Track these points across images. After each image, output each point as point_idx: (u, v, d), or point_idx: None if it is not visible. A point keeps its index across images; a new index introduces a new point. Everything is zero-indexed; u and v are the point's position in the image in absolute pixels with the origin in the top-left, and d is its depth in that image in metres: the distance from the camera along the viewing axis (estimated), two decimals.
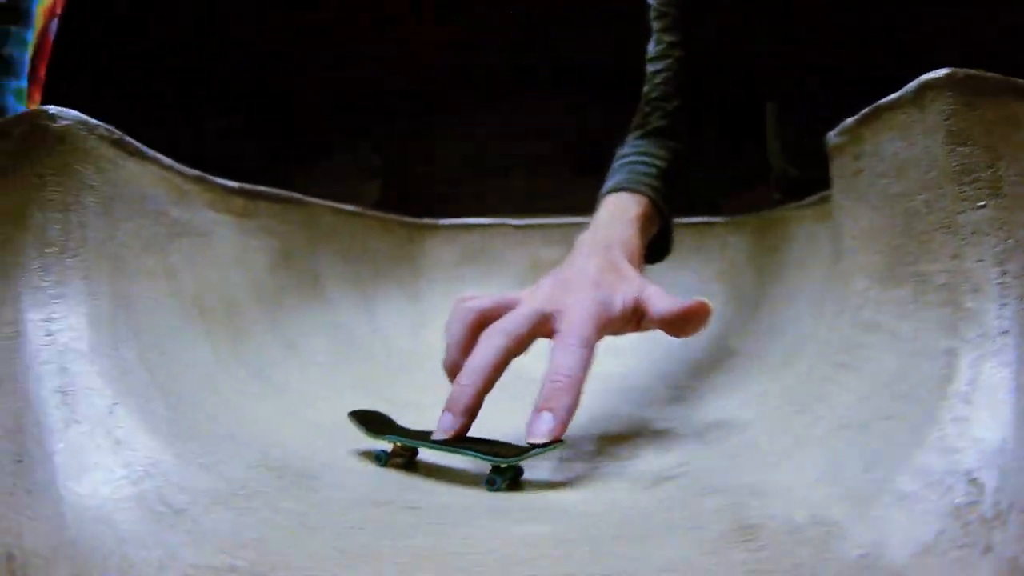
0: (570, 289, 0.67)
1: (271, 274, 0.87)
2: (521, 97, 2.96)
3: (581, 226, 1.41)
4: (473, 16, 2.73)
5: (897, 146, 0.53)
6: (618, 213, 0.87)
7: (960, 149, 0.46)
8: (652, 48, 1.07)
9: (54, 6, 1.42)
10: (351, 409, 0.64)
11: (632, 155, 0.99)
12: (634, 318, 0.68)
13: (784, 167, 1.19)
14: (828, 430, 0.50)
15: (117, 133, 0.59)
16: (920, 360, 0.45)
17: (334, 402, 0.74)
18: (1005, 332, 0.41)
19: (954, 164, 0.46)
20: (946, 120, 0.47)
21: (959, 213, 0.46)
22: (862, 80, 0.68)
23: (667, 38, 1.05)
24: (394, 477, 0.57)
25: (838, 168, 0.63)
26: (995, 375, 0.40)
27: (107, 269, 0.55)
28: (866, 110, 0.57)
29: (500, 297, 0.69)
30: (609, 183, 0.95)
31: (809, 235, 0.92)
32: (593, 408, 0.80)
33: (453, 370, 0.65)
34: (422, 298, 1.18)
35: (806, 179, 0.66)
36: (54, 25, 1.39)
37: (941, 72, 0.47)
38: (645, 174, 0.94)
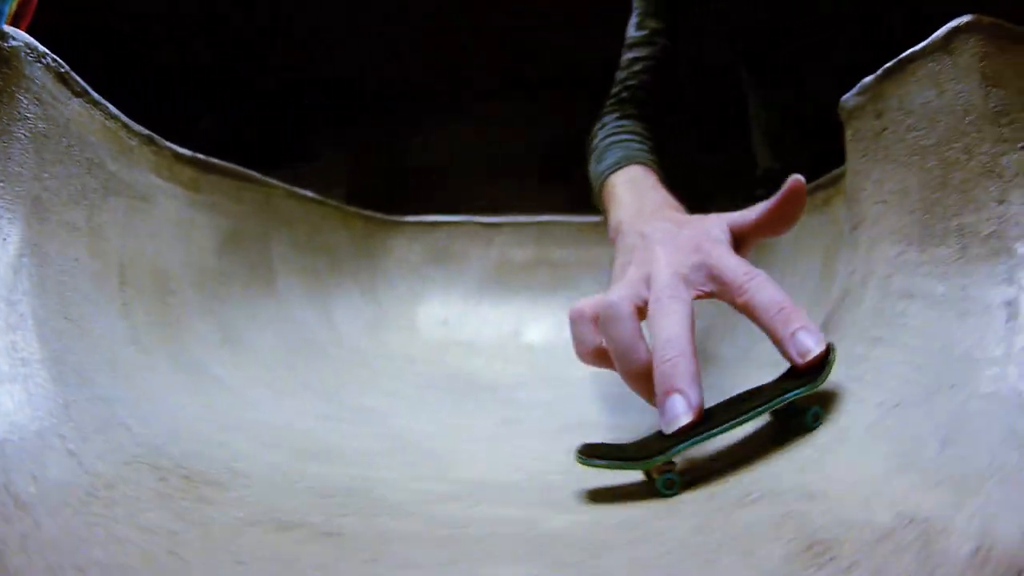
0: (679, 245, 0.60)
1: (216, 257, 0.80)
2: (489, 103, 2.96)
3: (550, 225, 1.38)
4: (447, 22, 2.74)
5: (928, 95, 0.50)
6: (641, 185, 0.83)
7: (996, 91, 0.44)
8: (633, 31, 1.03)
9: None
10: (579, 449, 0.50)
11: (621, 134, 0.95)
12: (738, 244, 0.62)
13: (769, 162, 1.16)
14: (882, 412, 0.42)
15: (65, 67, 0.53)
16: (974, 319, 0.41)
17: (275, 404, 0.67)
18: None
19: (992, 106, 0.44)
20: (981, 63, 0.45)
21: (1003, 155, 0.43)
22: (849, 60, 0.66)
23: (652, 24, 1.02)
24: (336, 487, 0.47)
25: (856, 131, 0.60)
26: None
27: (23, 211, 0.47)
28: (888, 64, 0.54)
29: (613, 295, 0.58)
30: (608, 160, 0.91)
31: (799, 228, 0.89)
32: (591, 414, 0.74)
33: (638, 372, 0.53)
34: (380, 298, 1.11)
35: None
36: None
37: (968, 17, 0.46)
38: (640, 149, 0.91)
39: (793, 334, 0.48)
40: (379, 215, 1.20)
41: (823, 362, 0.46)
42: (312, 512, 0.41)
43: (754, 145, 1.23)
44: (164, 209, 0.70)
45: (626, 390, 0.79)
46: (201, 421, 0.55)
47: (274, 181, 0.97)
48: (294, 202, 1.02)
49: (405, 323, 1.08)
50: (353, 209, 1.15)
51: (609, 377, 0.98)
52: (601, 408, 0.81)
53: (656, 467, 0.46)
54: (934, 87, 0.49)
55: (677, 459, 0.47)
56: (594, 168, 0.94)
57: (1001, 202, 0.43)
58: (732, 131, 1.27)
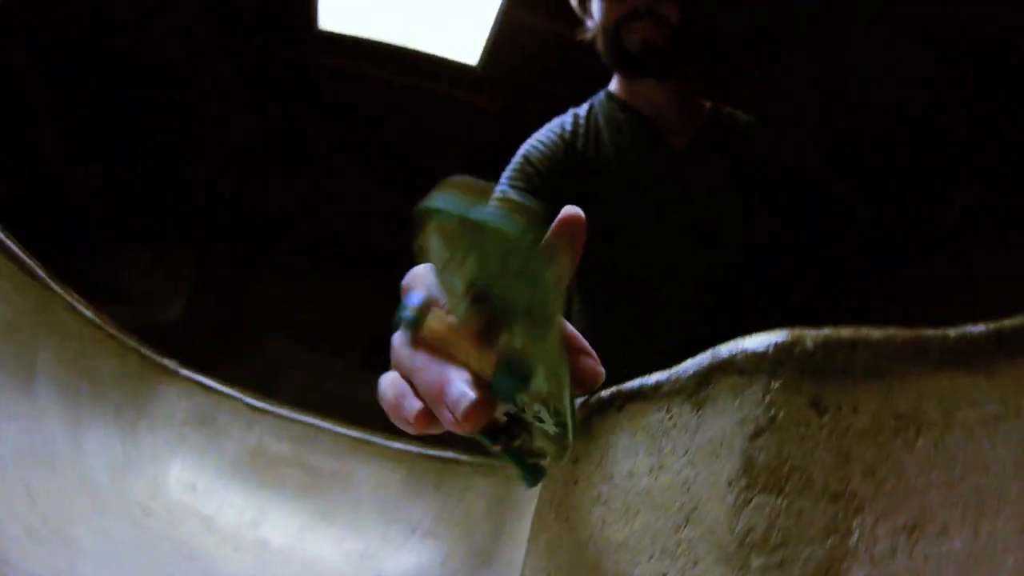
0: None
1: None
2: (345, 275, 2.95)
3: (316, 430, 1.35)
4: (337, 177, 2.79)
5: (638, 464, 0.37)
6: None
7: (764, 499, 0.29)
8: None
9: None
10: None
11: None
12: None
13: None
14: None
15: None
16: None
17: None
18: None
19: (740, 527, 0.29)
20: (750, 440, 0.30)
21: None
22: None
23: None
24: None
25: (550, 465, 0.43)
26: None
27: None
28: (605, 392, 0.40)
29: None
30: None
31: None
32: None
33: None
34: (139, 441, 1.03)
35: None
36: None
37: (765, 341, 0.30)
38: None
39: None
40: (156, 357, 1.13)
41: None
42: None
43: None
44: None
45: None
46: None
47: (56, 288, 0.91)
48: (70, 316, 0.96)
49: (154, 474, 0.99)
50: (132, 344, 1.08)
51: None
52: None
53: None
54: (653, 455, 0.34)
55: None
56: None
57: None
58: None
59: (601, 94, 1.23)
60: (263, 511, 1.08)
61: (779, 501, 0.27)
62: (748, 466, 0.28)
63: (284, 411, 1.26)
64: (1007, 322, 0.28)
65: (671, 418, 0.33)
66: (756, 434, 0.28)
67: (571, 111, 1.21)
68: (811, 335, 0.28)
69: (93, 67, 2.51)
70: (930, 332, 0.28)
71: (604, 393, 0.40)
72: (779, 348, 0.28)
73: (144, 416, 1.06)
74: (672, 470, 0.32)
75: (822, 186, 1.23)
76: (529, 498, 1.04)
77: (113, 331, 1.05)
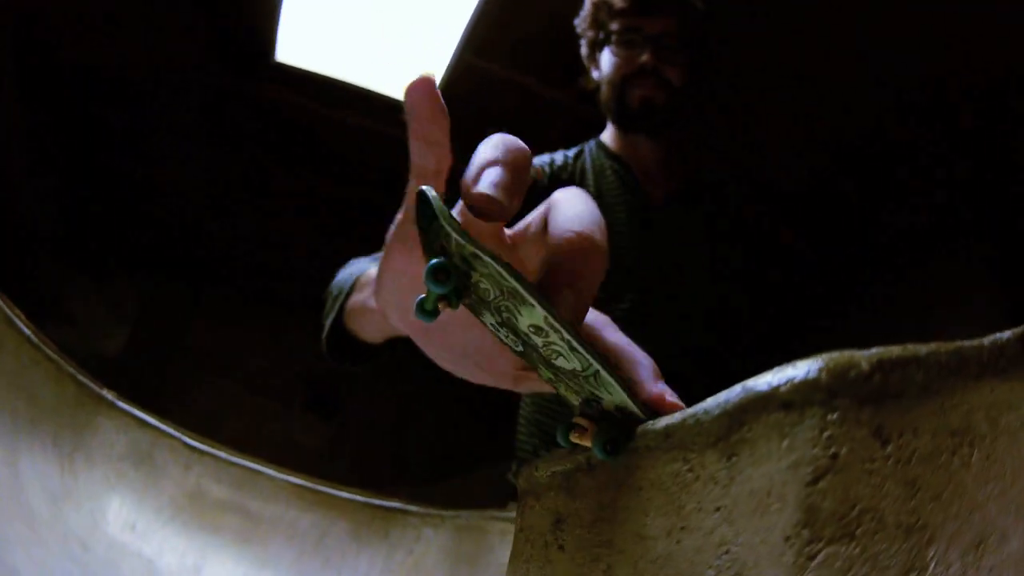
0: None
1: None
2: (288, 317, 2.86)
3: (254, 474, 1.29)
4: (288, 217, 2.76)
5: (650, 527, 0.30)
6: None
7: (832, 552, 0.24)
8: None
9: None
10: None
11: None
12: None
13: (535, 449, 1.21)
14: None
15: None
16: None
17: None
18: None
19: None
20: (810, 485, 0.25)
21: None
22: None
23: None
24: None
25: (523, 529, 0.40)
26: None
27: None
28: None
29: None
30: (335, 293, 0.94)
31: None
32: None
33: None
34: (76, 473, 0.95)
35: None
36: None
37: (812, 366, 0.26)
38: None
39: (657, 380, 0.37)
40: (93, 386, 1.06)
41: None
42: None
43: (518, 429, 1.28)
44: None
45: None
46: None
47: None
48: (8, 330, 0.89)
49: (93, 508, 0.92)
50: (70, 370, 1.01)
51: None
52: None
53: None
54: (671, 514, 0.29)
55: None
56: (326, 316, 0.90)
57: None
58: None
59: (592, 142, 1.35)
60: (204, 556, 1.01)
61: (852, 550, 0.23)
62: (811, 516, 0.24)
63: (223, 453, 1.20)
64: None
65: (690, 470, 0.28)
66: (816, 478, 0.24)
67: (560, 151, 1.30)
68: (864, 356, 0.25)
69: (50, 88, 2.44)
70: (967, 343, 0.27)
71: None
72: (832, 373, 0.25)
73: (81, 447, 0.98)
74: (701, 531, 0.27)
75: (778, 236, 1.32)
76: (484, 552, 1.01)
77: (52, 354, 0.98)
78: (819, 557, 0.23)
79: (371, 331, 0.89)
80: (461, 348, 0.43)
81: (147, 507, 1.01)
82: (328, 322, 0.96)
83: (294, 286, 3.01)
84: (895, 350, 0.25)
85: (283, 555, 1.10)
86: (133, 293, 2.91)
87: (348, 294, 0.92)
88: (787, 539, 0.24)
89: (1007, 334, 0.27)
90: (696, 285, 1.20)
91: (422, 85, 0.36)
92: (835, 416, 0.24)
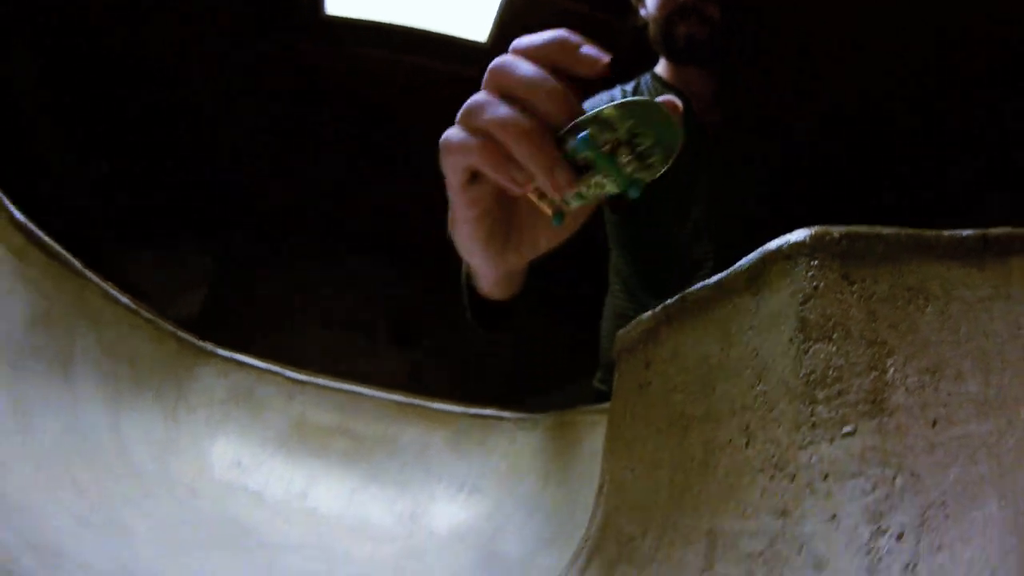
0: None
1: (27, 330, 0.75)
2: (359, 254, 3.01)
3: (358, 397, 1.38)
4: (347, 162, 2.84)
5: (710, 348, 0.41)
6: None
7: (819, 347, 0.34)
8: None
9: None
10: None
11: None
12: None
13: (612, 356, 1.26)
14: None
15: None
16: None
17: (34, 487, 0.63)
18: None
19: (805, 371, 0.34)
20: (802, 305, 0.35)
21: (801, 448, 0.33)
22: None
23: None
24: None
25: (623, 375, 0.53)
26: None
27: None
28: (670, 301, 0.47)
29: None
30: None
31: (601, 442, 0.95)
32: None
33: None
34: (179, 423, 1.06)
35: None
36: None
37: (803, 234, 0.37)
38: None
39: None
40: (192, 339, 1.16)
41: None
42: None
43: (601, 337, 1.34)
44: None
45: (397, 572, 0.85)
46: None
47: (91, 276, 0.93)
48: (106, 303, 0.98)
49: (197, 454, 1.03)
50: (169, 327, 1.11)
51: (387, 559, 0.98)
52: None
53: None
54: (724, 338, 0.40)
55: None
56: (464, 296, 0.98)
57: (783, 514, 0.32)
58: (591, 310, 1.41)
59: (647, 75, 1.43)
60: (311, 481, 1.11)
61: (830, 347, 0.34)
62: (803, 324, 0.35)
63: (325, 381, 1.29)
64: (991, 230, 0.36)
65: (733, 307, 0.40)
66: (805, 300, 0.35)
67: (617, 86, 1.39)
68: (836, 228, 0.36)
69: (95, 66, 2.55)
70: (928, 232, 0.36)
71: (669, 302, 0.47)
72: (814, 237, 0.36)
73: (183, 398, 1.08)
74: (740, 344, 0.39)
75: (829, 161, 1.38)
76: (574, 445, 1.06)
77: (150, 316, 1.08)
78: (810, 351, 0.34)
79: (494, 286, 0.92)
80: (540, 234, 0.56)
81: (251, 443, 1.11)
82: (467, 304, 1.00)
83: (361, 227, 3.09)
84: (863, 228, 0.36)
85: (387, 469, 1.18)
86: (204, 258, 3.06)
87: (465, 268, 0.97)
88: (790, 340, 0.35)
89: (969, 231, 0.36)
90: (753, 203, 1.29)
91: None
92: (815, 263, 0.36)
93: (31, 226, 0.77)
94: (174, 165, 2.91)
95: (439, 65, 2.61)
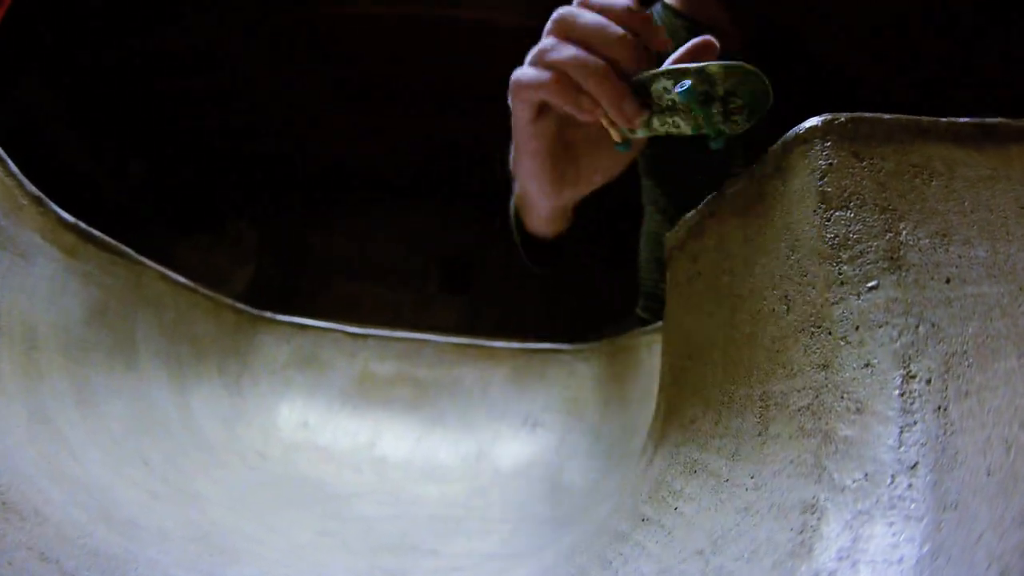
0: None
1: (84, 324, 0.81)
2: (403, 206, 3.07)
3: (418, 344, 1.44)
4: (380, 122, 2.87)
5: (750, 232, 0.45)
6: None
7: (839, 215, 0.39)
8: None
9: None
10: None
11: None
12: None
13: (656, 283, 1.27)
14: None
15: None
16: (757, 520, 0.36)
17: (106, 468, 0.69)
18: (913, 467, 0.31)
19: (830, 237, 0.39)
20: (821, 180, 0.40)
21: (834, 304, 0.37)
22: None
23: None
24: (106, 552, 0.53)
25: (673, 275, 0.58)
26: (888, 541, 0.29)
27: None
28: (709, 197, 0.53)
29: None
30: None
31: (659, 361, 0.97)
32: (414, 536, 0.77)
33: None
34: (244, 393, 1.13)
35: None
36: None
37: (816, 120, 0.41)
38: None
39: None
40: (251, 310, 1.22)
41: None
42: (69, 560, 0.48)
43: (640, 266, 1.35)
44: (42, 269, 0.72)
45: (468, 511, 0.87)
46: (32, 466, 0.58)
47: (147, 261, 0.99)
48: (164, 285, 1.04)
49: (264, 420, 1.10)
50: (227, 301, 1.17)
51: (456, 498, 1.03)
52: (430, 530, 0.82)
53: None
54: (758, 220, 0.45)
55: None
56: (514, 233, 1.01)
57: (824, 367, 0.37)
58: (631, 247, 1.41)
59: (658, 4, 1.38)
60: (377, 431, 1.17)
61: (848, 214, 0.38)
62: (823, 196, 0.39)
63: (385, 332, 1.34)
64: (987, 120, 0.40)
65: (765, 191, 0.44)
66: (823, 176, 0.40)
67: None
68: (843, 114, 0.40)
69: (107, 71, 2.61)
70: (926, 118, 0.40)
71: (709, 198, 0.52)
72: (826, 122, 0.40)
73: (246, 369, 1.15)
74: (774, 222, 0.43)
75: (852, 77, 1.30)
76: (632, 367, 1.08)
77: (207, 292, 1.14)
78: (832, 218, 0.39)
79: (539, 222, 0.96)
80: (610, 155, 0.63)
81: (317, 403, 1.17)
82: (518, 242, 1.04)
83: (401, 178, 3.11)
84: (868, 115, 0.40)
85: (450, 412, 1.24)
86: (249, 232, 3.13)
87: (518, 216, 1.00)
88: (814, 211, 0.40)
89: (965, 119, 0.40)
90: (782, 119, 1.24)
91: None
92: (828, 143, 0.40)
93: (81, 224, 0.82)
94: (204, 148, 2.99)
95: (463, 13, 2.59)
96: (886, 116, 0.40)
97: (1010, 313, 0.34)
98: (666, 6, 1.37)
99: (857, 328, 0.35)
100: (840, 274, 0.37)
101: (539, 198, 0.77)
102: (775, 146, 0.44)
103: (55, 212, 0.75)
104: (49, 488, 0.56)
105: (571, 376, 1.27)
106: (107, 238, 0.87)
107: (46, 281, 0.74)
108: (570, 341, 1.29)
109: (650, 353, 1.00)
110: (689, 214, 0.55)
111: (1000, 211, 0.38)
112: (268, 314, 1.25)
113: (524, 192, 0.84)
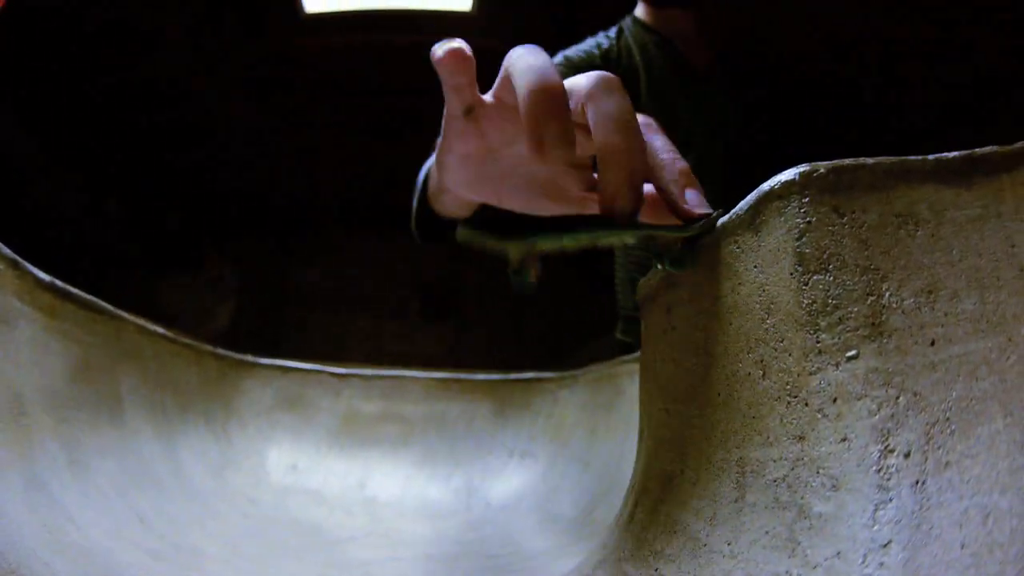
0: None
1: (68, 383, 0.81)
2: (380, 237, 3.08)
3: (402, 380, 1.44)
4: (350, 157, 2.88)
5: (722, 288, 0.44)
6: None
7: (818, 279, 0.37)
8: None
9: None
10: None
11: None
12: None
13: (634, 306, 1.28)
14: None
15: None
16: None
17: (105, 531, 0.69)
18: (885, 545, 0.31)
19: (806, 302, 0.37)
20: (798, 240, 0.38)
21: (811, 374, 0.36)
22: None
23: None
24: None
25: (647, 324, 0.56)
26: None
27: None
28: (681, 245, 0.48)
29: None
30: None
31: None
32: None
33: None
34: (231, 439, 1.12)
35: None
36: None
37: (793, 173, 0.39)
38: None
39: (684, 188, 0.46)
40: (232, 354, 1.22)
41: (700, 218, 0.45)
42: None
43: (616, 288, 1.37)
44: (23, 333, 0.72)
45: (463, 547, 0.86)
46: (35, 539, 0.57)
47: (126, 315, 0.99)
48: (144, 338, 1.04)
49: (253, 466, 1.10)
50: (208, 348, 1.17)
51: (449, 533, 1.03)
52: (427, 571, 0.82)
53: (523, 251, 0.45)
54: (731, 277, 0.43)
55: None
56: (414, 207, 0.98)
57: (800, 439, 0.36)
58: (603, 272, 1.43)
59: (628, 19, 1.43)
60: (366, 471, 1.17)
61: (827, 277, 0.37)
62: (800, 258, 0.38)
63: (369, 371, 1.35)
64: (977, 150, 0.38)
65: (739, 247, 0.42)
66: (800, 236, 0.38)
67: (601, 33, 1.40)
68: (823, 164, 0.38)
69: (78, 117, 2.61)
70: (912, 158, 0.38)
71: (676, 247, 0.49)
72: (804, 175, 0.39)
73: (232, 414, 1.15)
74: (748, 281, 0.41)
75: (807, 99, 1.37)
76: (616, 395, 1.10)
77: (187, 340, 1.14)
78: (810, 282, 0.37)
79: (453, 207, 0.95)
80: (533, 188, 0.55)
81: (304, 445, 1.17)
82: (415, 211, 1.03)
83: (377, 209, 3.13)
84: (848, 161, 0.38)
85: (438, 448, 1.24)
86: (227, 269, 3.14)
87: (425, 184, 0.99)
88: (791, 274, 0.38)
89: (953, 154, 0.38)
90: (744, 139, 1.32)
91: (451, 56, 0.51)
92: (806, 199, 0.38)
93: (58, 283, 0.82)
94: (178, 187, 2.99)
95: (430, 40, 2.62)
96: (869, 161, 0.38)
97: (997, 369, 0.33)
98: (636, 20, 1.41)
99: (835, 400, 0.34)
100: (818, 342, 0.36)
101: (453, 197, 0.69)
102: (749, 200, 0.42)
103: (32, 273, 0.75)
104: (53, 560, 0.55)
105: (555, 404, 1.28)
106: (85, 295, 0.87)
107: (27, 344, 0.73)
108: (549, 362, 1.31)
109: (631, 382, 1.01)
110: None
111: (990, 254, 0.36)
112: (250, 358, 1.25)
113: (441, 181, 0.73)
